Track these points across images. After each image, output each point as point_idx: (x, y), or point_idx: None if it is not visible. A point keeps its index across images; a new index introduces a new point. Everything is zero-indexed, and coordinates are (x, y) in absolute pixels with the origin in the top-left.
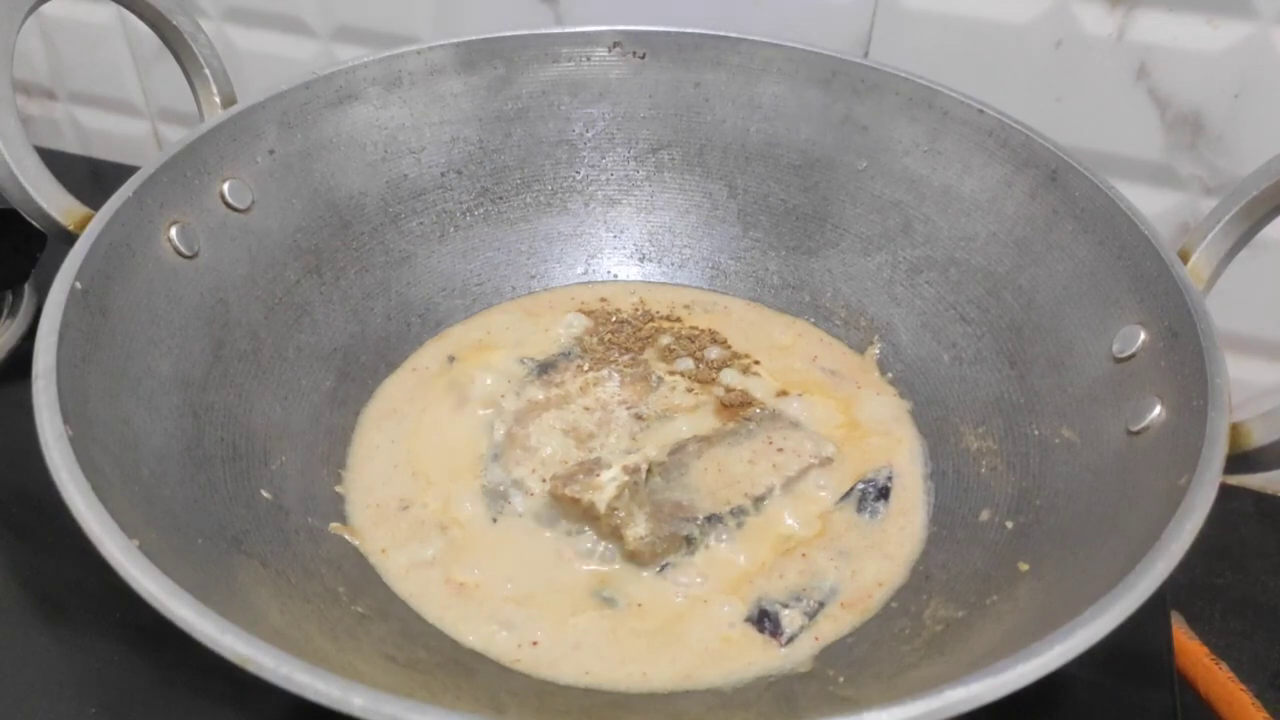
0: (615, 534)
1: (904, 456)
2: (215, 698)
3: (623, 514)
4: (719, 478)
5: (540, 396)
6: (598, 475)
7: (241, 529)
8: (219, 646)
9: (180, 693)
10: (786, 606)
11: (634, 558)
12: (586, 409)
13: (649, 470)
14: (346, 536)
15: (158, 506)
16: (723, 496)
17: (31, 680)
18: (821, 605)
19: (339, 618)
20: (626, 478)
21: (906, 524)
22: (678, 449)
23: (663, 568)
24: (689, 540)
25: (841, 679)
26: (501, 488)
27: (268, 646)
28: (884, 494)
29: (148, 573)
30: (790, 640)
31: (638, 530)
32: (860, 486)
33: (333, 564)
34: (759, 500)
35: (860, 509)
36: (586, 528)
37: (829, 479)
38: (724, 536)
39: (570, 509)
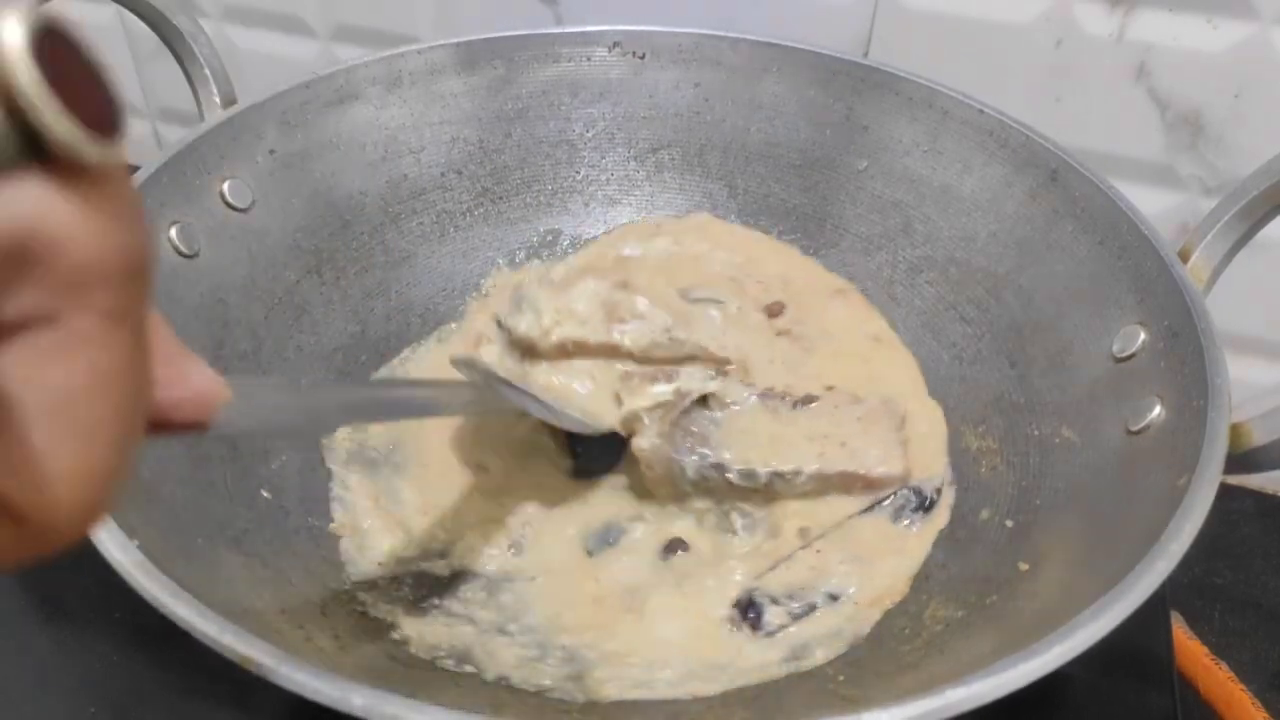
0: (627, 428)
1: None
2: (215, 698)
3: (645, 422)
4: (766, 437)
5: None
6: (659, 383)
7: (241, 529)
8: (219, 646)
9: (180, 693)
10: (776, 603)
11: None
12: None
13: (704, 399)
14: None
15: (158, 506)
16: (758, 456)
17: (31, 680)
18: (812, 609)
19: (340, 618)
20: (671, 398)
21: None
22: (767, 393)
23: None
24: (682, 472)
25: (841, 678)
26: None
27: (268, 646)
28: (926, 507)
29: (148, 573)
30: (770, 635)
31: (640, 442)
32: (904, 492)
33: (333, 564)
34: (780, 476)
35: (896, 518)
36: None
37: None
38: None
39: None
